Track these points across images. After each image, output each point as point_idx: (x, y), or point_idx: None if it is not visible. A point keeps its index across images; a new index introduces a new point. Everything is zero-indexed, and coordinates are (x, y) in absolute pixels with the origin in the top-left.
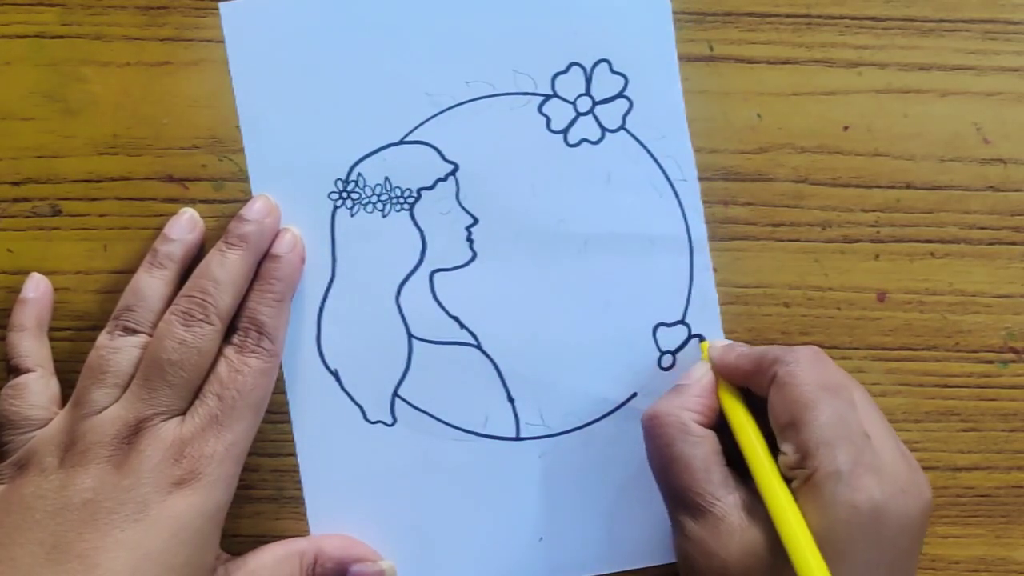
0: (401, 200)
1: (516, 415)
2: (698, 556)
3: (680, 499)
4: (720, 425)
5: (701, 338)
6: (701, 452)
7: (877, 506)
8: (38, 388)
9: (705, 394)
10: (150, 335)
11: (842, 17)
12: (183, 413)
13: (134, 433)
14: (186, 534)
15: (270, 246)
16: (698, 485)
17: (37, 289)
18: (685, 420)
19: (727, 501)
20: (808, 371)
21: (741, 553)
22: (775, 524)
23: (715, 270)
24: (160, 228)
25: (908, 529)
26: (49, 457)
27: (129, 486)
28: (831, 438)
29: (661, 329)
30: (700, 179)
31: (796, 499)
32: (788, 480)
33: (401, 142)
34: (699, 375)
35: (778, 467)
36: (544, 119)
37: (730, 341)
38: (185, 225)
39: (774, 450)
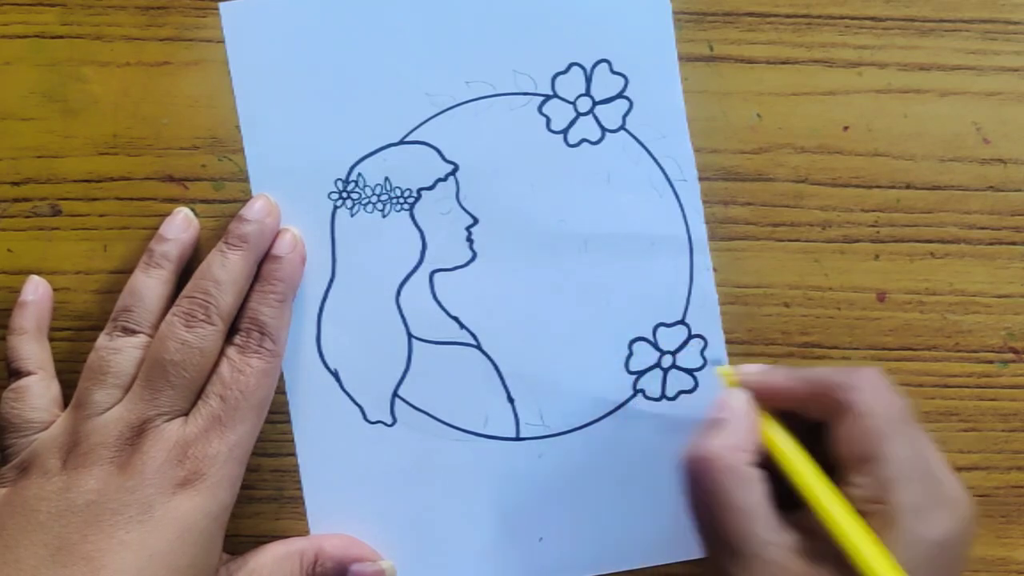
0: (401, 200)
1: (516, 415)
2: None
3: (730, 549)
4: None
5: (709, 361)
6: (755, 497)
7: (946, 540)
8: (39, 391)
9: (750, 430)
10: (149, 335)
11: (842, 17)
12: (186, 414)
13: (137, 434)
14: (191, 535)
15: (271, 246)
16: (750, 532)
17: (36, 292)
18: (736, 464)
19: (779, 545)
20: (880, 400)
21: None
22: (852, 556)
23: (715, 270)
24: None
25: (965, 552)
26: (52, 459)
27: (133, 487)
28: (910, 472)
29: (661, 329)
30: (700, 179)
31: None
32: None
33: (401, 142)
34: (738, 405)
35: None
36: (544, 119)
37: (761, 365)
38: (180, 224)
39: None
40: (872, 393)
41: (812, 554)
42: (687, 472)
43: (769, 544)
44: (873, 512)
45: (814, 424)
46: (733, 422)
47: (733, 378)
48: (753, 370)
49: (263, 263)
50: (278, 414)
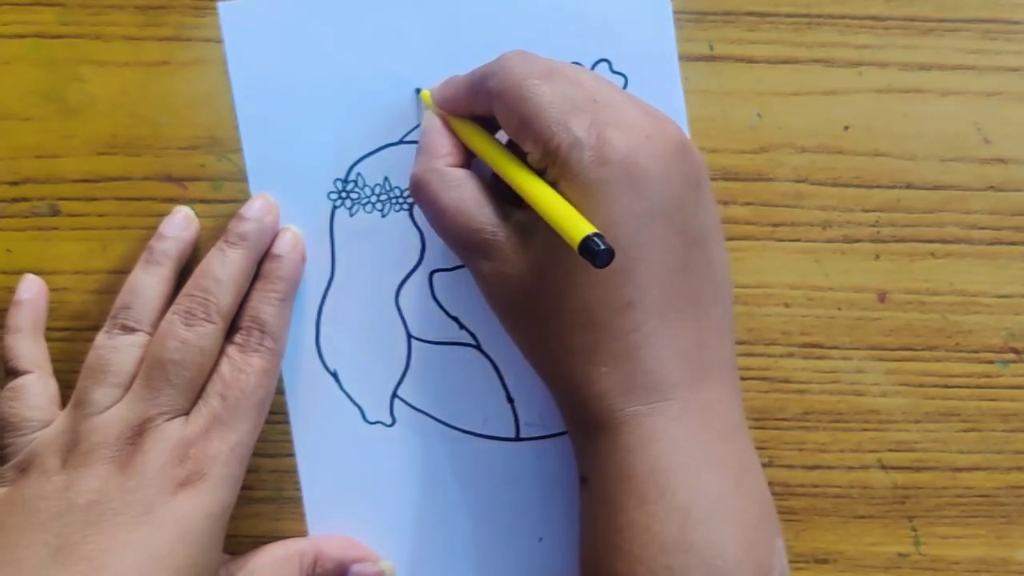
0: (400, 200)
1: (515, 415)
2: (501, 289)
3: (466, 243)
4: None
5: (419, 90)
6: (467, 192)
7: (625, 156)
8: (37, 389)
9: (445, 139)
10: (149, 333)
11: (842, 16)
12: (186, 413)
13: (138, 434)
14: (192, 536)
15: (271, 246)
16: (475, 222)
17: (31, 290)
18: (441, 169)
19: (506, 227)
20: (517, 70)
21: (532, 263)
22: (529, 203)
23: None
24: None
25: (667, 175)
26: (52, 458)
27: (134, 487)
28: (559, 116)
29: None
30: None
31: (556, 186)
32: (543, 175)
33: (400, 142)
34: (428, 125)
35: (529, 167)
36: None
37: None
38: (180, 223)
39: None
40: (508, 69)
41: (532, 227)
42: (414, 199)
43: (497, 229)
44: (548, 165)
45: None
46: (428, 141)
47: (428, 96)
48: (437, 86)
49: (263, 262)
50: (277, 414)
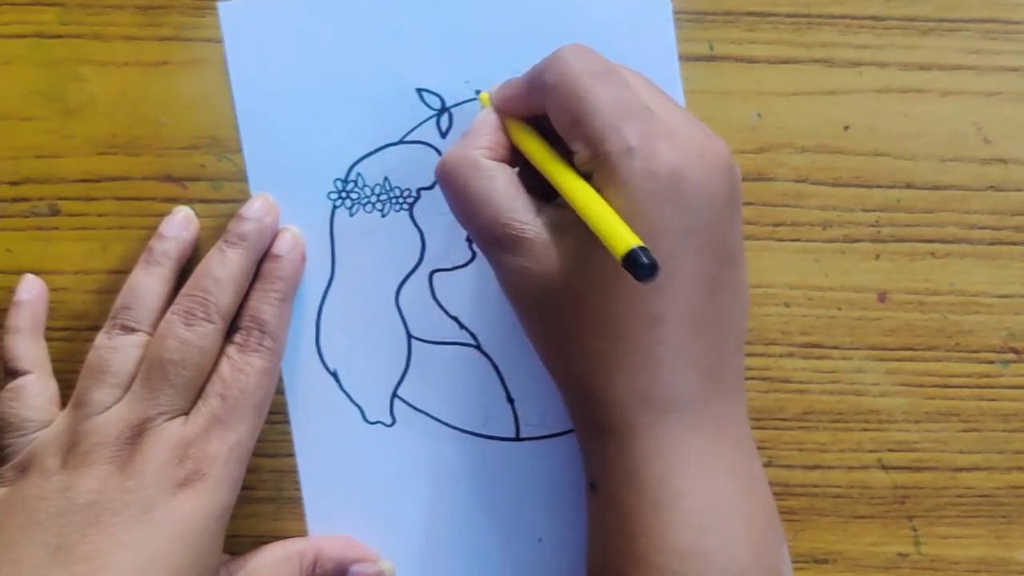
0: (400, 200)
1: (516, 415)
2: (525, 285)
3: (491, 235)
4: (516, 163)
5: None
6: (500, 184)
7: (674, 170)
8: (36, 390)
9: (491, 131)
10: (148, 333)
11: (843, 16)
12: (186, 413)
13: (137, 434)
14: (192, 536)
15: (270, 246)
16: (504, 215)
17: (31, 291)
18: (475, 157)
19: (537, 224)
20: (574, 64)
21: (561, 263)
22: (573, 207)
23: None
24: None
25: (712, 193)
26: (51, 459)
27: (133, 487)
28: (613, 119)
29: None
30: None
31: (600, 191)
32: (589, 176)
33: (400, 142)
34: (480, 117)
35: (574, 167)
36: None
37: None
38: (180, 223)
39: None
40: (564, 62)
41: (562, 225)
42: (439, 183)
43: (526, 224)
44: (594, 168)
45: None
46: (472, 132)
47: (486, 98)
48: (496, 87)
49: (263, 262)
50: (277, 414)
